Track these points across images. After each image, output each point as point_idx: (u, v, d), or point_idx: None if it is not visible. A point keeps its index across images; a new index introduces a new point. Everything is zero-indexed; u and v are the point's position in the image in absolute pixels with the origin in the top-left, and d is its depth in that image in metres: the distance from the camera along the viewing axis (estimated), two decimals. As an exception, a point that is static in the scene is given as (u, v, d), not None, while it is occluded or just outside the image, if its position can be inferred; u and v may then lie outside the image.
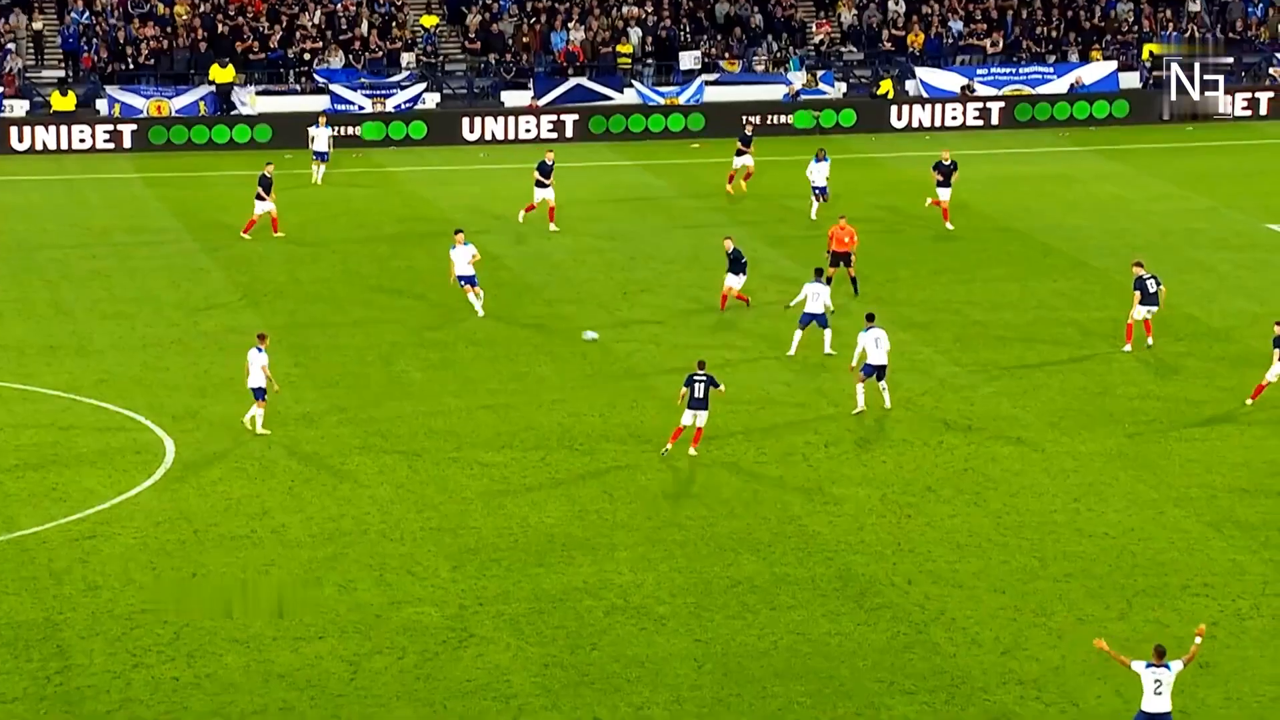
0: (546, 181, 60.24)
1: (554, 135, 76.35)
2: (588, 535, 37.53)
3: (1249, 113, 78.93)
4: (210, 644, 32.67)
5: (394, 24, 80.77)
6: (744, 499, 39.25)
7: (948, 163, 59.69)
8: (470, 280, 51.38)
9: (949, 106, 78.56)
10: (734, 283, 51.42)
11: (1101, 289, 54.44)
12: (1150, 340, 48.37)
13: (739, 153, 65.78)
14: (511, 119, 76.99)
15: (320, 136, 67.18)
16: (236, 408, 44.06)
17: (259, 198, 60.17)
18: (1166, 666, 28.37)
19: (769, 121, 77.53)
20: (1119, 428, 43.10)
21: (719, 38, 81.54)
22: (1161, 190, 62.77)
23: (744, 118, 72.58)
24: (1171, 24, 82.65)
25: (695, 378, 41.20)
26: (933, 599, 34.60)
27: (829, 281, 51.30)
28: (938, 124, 78.23)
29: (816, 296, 46.85)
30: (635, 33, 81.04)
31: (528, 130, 76.76)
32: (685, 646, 32.80)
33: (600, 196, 65.44)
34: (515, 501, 39.21)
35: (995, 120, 78.47)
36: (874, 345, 43.56)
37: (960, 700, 30.90)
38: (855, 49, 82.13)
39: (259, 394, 42.32)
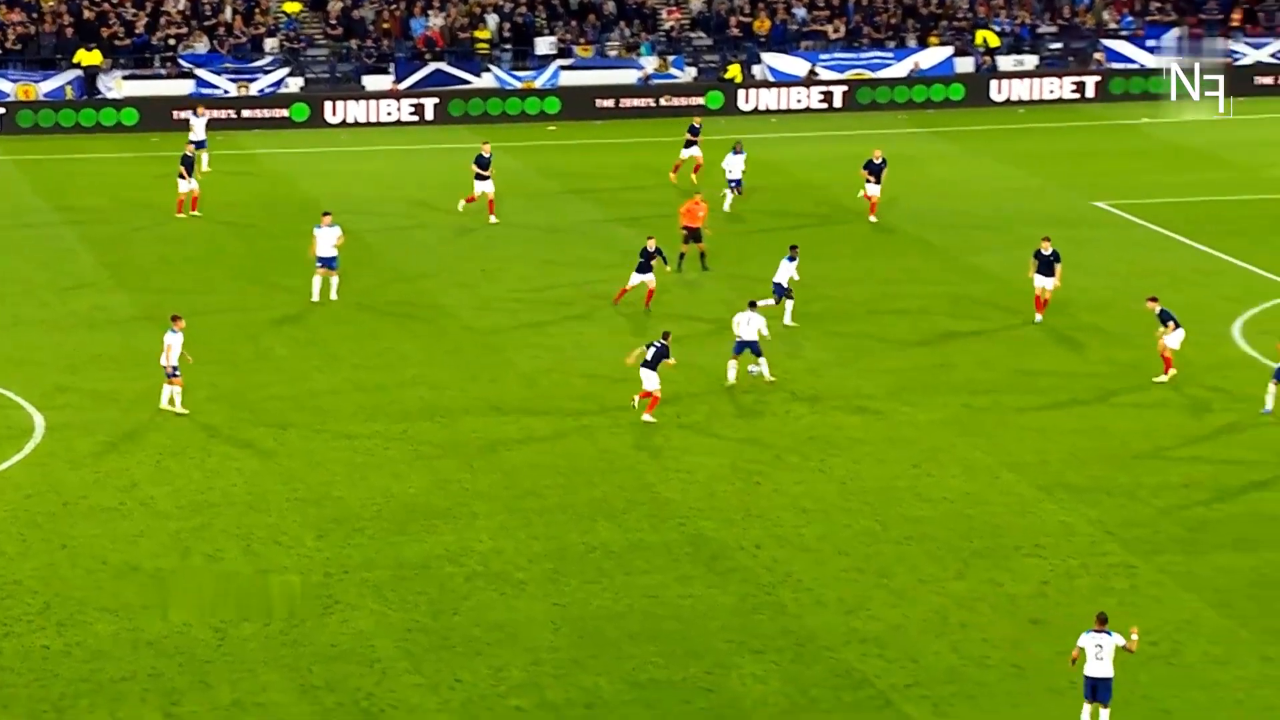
0: (485, 173, 58.81)
1: (414, 118, 75.93)
2: (449, 505, 37.43)
3: (1077, 95, 79.77)
4: (80, 613, 32.32)
5: (257, 10, 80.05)
6: (600, 468, 39.28)
7: (878, 161, 59.31)
8: (330, 263, 50.61)
9: (794, 90, 78.86)
10: (642, 279, 49.14)
11: (940, 265, 54.86)
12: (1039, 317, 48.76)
13: (687, 144, 64.31)
14: (373, 103, 76.51)
15: (199, 126, 66.39)
16: (105, 384, 43.57)
17: (181, 176, 59.49)
18: (1108, 633, 28.39)
19: (622, 105, 77.53)
20: (957, 397, 43.48)
21: (573, 23, 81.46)
22: (995, 170, 63.31)
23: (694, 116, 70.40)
24: (1004, 11, 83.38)
25: (652, 343, 41.86)
26: (780, 562, 34.80)
27: (680, 258, 51.31)
28: (783, 107, 78.48)
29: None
30: (492, 19, 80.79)
31: (389, 114, 76.31)
32: (543, 610, 32.81)
33: (460, 179, 65.05)
34: (378, 473, 39.04)
35: (838, 103, 78.82)
36: (745, 323, 43.68)
37: (806, 658, 31.11)
38: (704, 35, 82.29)
39: (173, 372, 41.71)
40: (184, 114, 69.93)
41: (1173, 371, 43.83)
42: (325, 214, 51.12)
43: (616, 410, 42.57)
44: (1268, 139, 72.21)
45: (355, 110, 76.20)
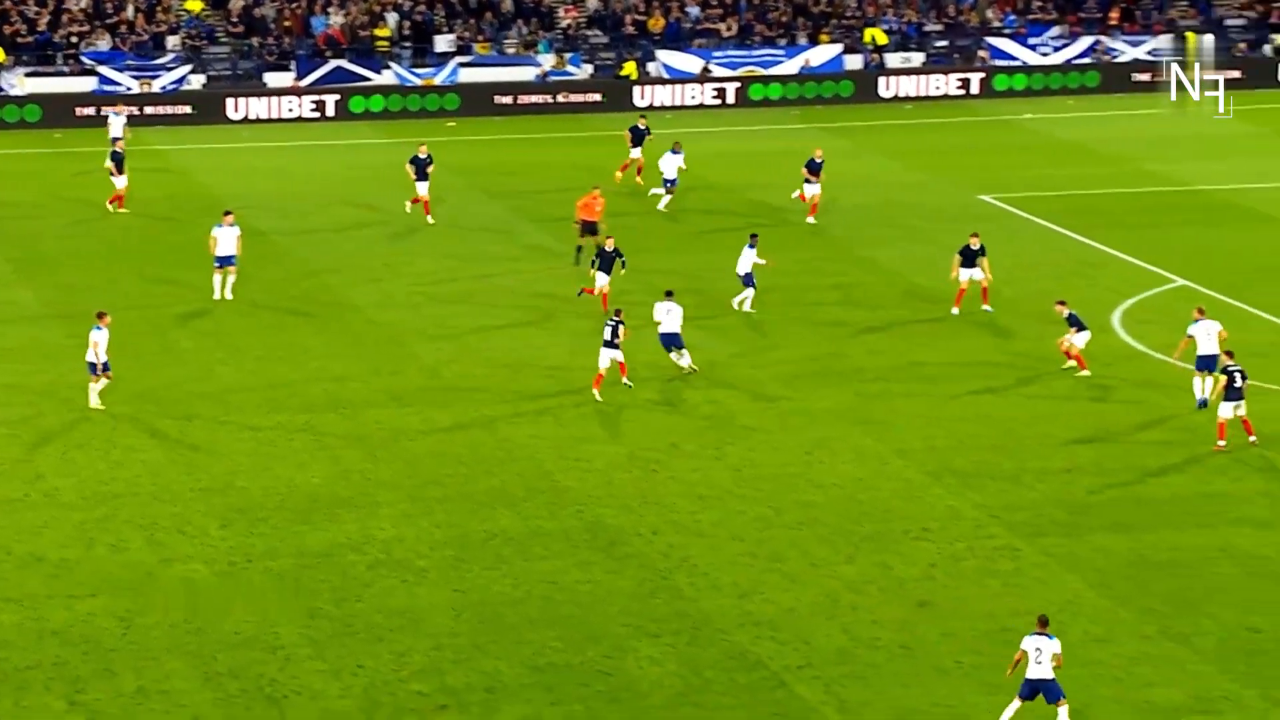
0: (424, 175, 57.50)
1: (316, 115, 75.57)
2: (351, 494, 37.33)
3: (962, 92, 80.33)
4: (-14, 604, 32.04)
5: (159, 8, 79.45)
6: (499, 457, 39.28)
7: (819, 160, 59.21)
8: (229, 261, 49.74)
9: (688, 87, 79.02)
10: (602, 281, 48.18)
11: (832, 257, 55.13)
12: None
13: (634, 144, 62.84)
14: (274, 99, 76.09)
15: (116, 124, 65.73)
16: (10, 378, 43.18)
17: (112, 173, 58.93)
18: (1048, 636, 28.34)
19: (520, 102, 77.46)
20: (848, 386, 43.74)
21: (472, 22, 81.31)
22: (884, 165, 63.68)
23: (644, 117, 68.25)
24: (891, 9, 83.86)
25: (609, 322, 42.35)
26: (676, 547, 34.91)
27: (577, 251, 51.27)
28: (678, 103, 78.63)
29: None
30: (392, 17, 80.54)
31: (290, 110, 75.91)
32: (445, 597, 32.80)
33: (361, 174, 64.90)
34: (282, 463, 38.89)
35: (731, 100, 79.04)
36: (665, 314, 43.72)
37: (702, 641, 31.24)
38: (601, 32, 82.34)
39: (98, 369, 41.16)
40: (87, 110, 69.33)
41: (1086, 372, 44.05)
42: (226, 213, 50.70)
43: (517, 400, 42.58)
44: (1145, 134, 72.99)
45: (257, 107, 75.75)
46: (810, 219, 58.46)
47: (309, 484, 37.78)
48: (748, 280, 48.90)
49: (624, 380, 42.97)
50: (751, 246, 48.95)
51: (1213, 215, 60.22)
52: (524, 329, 47.96)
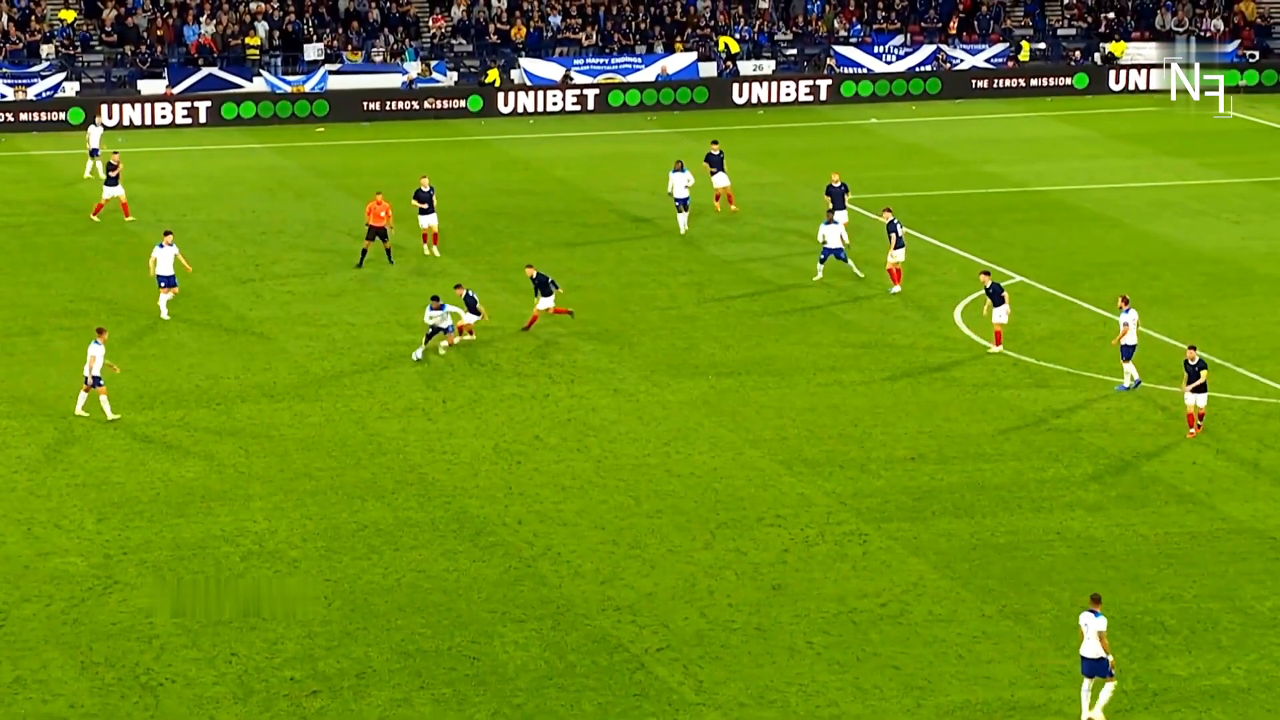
0: (426, 206, 53.29)
1: (188, 121, 74.74)
2: (225, 487, 36.97)
3: (811, 98, 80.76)
4: None
5: (33, 18, 78.28)
6: (369, 450, 39.04)
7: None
8: (170, 281, 47.80)
9: (550, 93, 78.90)
10: (545, 304, 46.95)
11: (686, 255, 55.24)
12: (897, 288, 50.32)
13: (712, 172, 59.22)
14: (147, 105, 75.20)
15: (94, 135, 64.45)
16: (-112, 377, 42.39)
17: (108, 183, 57.69)
18: (1095, 614, 28.12)
19: (388, 108, 77.01)
20: (703, 379, 43.85)
21: (340, 31, 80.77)
22: (738, 167, 63.73)
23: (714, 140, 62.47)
24: (743, 19, 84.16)
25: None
26: (540, 536, 34.86)
27: (363, 254, 51.37)
28: (540, 109, 78.49)
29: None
30: (263, 26, 79.86)
31: (163, 116, 75.07)
32: (316, 586, 32.56)
33: (233, 178, 64.27)
34: (157, 458, 38.44)
35: (591, 106, 79.00)
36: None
37: (565, 626, 31.21)
38: (465, 41, 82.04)
39: (95, 381, 40.07)
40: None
41: (999, 348, 44.83)
42: (166, 233, 49.23)
43: (385, 395, 42.34)
44: (985, 137, 73.72)
45: (130, 113, 74.85)
46: (731, 207, 58.74)
47: (183, 478, 37.37)
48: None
49: (460, 337, 44.21)
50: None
51: (1046, 214, 60.93)
52: (390, 326, 47.68)
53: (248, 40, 78.99)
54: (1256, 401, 40.13)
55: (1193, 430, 39.64)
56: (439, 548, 34.25)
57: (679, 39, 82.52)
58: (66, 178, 65.55)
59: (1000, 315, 45.02)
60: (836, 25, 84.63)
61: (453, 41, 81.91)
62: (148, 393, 42.29)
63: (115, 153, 59.91)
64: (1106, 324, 47.41)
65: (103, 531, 34.68)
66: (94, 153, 63.45)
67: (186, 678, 29.21)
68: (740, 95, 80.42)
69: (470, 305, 45.52)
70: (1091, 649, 28.06)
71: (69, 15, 79.16)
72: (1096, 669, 28.01)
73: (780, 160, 69.06)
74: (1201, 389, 39.47)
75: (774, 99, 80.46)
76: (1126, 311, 42.39)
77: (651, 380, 43.76)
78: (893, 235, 50.45)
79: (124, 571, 32.98)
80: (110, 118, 74.19)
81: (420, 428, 40.43)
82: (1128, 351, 42.31)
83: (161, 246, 48.41)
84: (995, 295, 44.95)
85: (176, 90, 76.05)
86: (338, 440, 39.59)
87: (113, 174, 58.00)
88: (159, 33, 78.89)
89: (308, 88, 77.15)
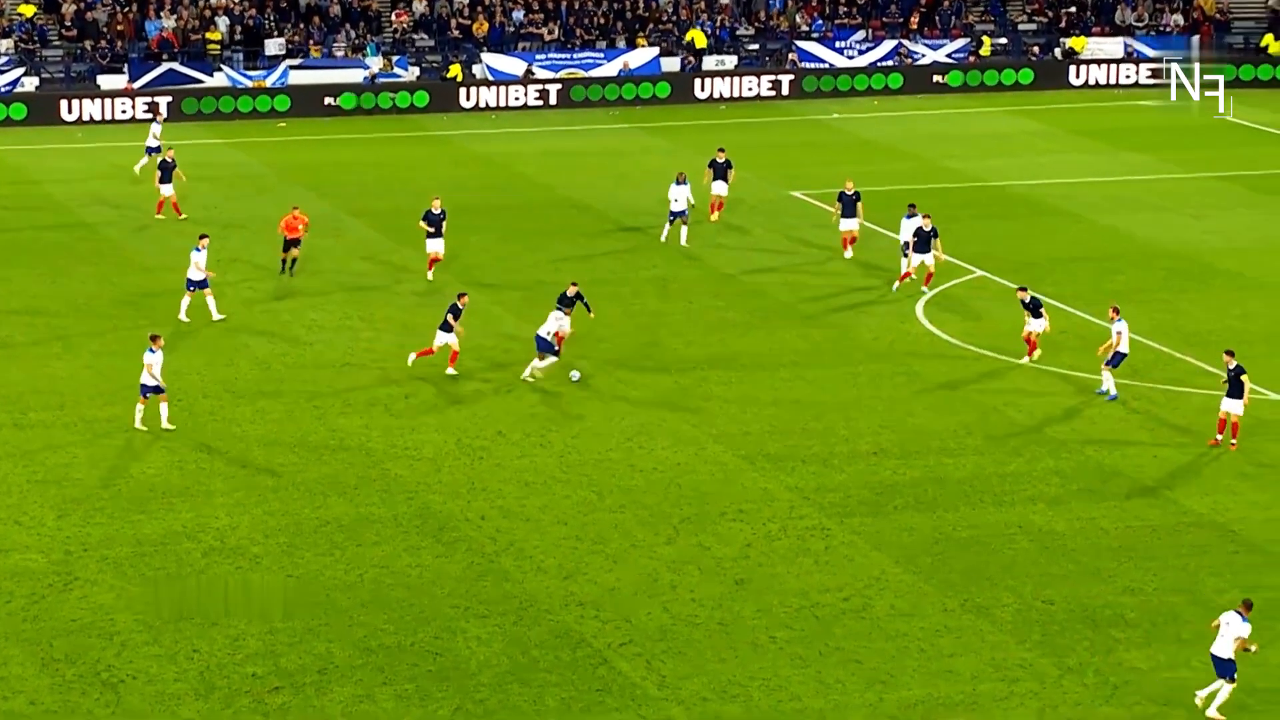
0: (435, 230, 50.75)
1: (149, 116, 74.42)
2: (187, 483, 36.83)
3: (773, 93, 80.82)
4: None
5: (-8, 12, 77.97)
6: (331, 446, 38.94)
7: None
8: (202, 285, 46.88)
9: (512, 88, 78.79)
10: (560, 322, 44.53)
11: (649, 250, 55.21)
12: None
13: (714, 179, 58.04)
14: (108, 101, 74.85)
15: (155, 131, 64.04)
16: None
17: (161, 182, 57.13)
18: (1242, 618, 27.98)
19: (356, 105, 76.82)
20: (666, 375, 43.84)
21: (301, 26, 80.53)
22: (701, 162, 63.65)
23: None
24: (705, 14, 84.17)
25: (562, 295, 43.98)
26: (503, 532, 34.81)
27: (283, 264, 50.90)
28: (502, 104, 78.39)
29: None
30: (224, 21, 79.56)
31: (124, 111, 74.73)
32: (278, 582, 32.47)
33: (195, 173, 63.92)
34: (118, 454, 38.27)
35: (554, 101, 78.93)
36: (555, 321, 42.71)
37: (528, 621, 31.18)
38: (427, 36, 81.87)
39: (155, 390, 39.08)
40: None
41: (1038, 353, 44.07)
42: (202, 236, 48.25)
43: (347, 391, 42.23)
44: (946, 132, 73.84)
45: (91, 108, 74.51)
46: (713, 216, 57.45)
47: (145, 474, 37.21)
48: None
49: (450, 370, 42.81)
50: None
51: (1007, 209, 61.09)
52: (353, 322, 47.57)
53: (209, 35, 78.70)
54: (1216, 395, 40.26)
55: (1217, 439, 39.06)
56: (401, 543, 34.17)
57: (641, 34, 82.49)
58: (26, 173, 65.19)
59: (1038, 325, 44.11)
60: (798, 20, 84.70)
61: (414, 37, 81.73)
62: (109, 389, 42.09)
63: (170, 149, 59.29)
64: (1068, 318, 47.54)
65: (63, 528, 34.52)
66: (152, 150, 62.18)
67: (148, 674, 29.09)
68: (702, 90, 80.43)
69: (454, 314, 43.52)
70: (1224, 649, 27.99)
71: (28, 10, 78.74)
72: (1224, 670, 28.01)
73: (742, 155, 68.88)
74: (1237, 394, 38.58)
75: (736, 94, 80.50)
76: (1118, 321, 42.06)
77: (615, 375, 43.73)
78: (1028, 311, 45.53)
79: (85, 568, 32.82)
80: (70, 113, 73.87)
81: (382, 424, 40.33)
82: (1117, 359, 41.97)
83: (198, 249, 47.11)
84: (1034, 309, 44.30)
85: (137, 85, 75.75)
86: (300, 436, 39.48)
87: (167, 171, 57.34)
88: (119, 27, 78.57)
89: (269, 83, 76.91)
